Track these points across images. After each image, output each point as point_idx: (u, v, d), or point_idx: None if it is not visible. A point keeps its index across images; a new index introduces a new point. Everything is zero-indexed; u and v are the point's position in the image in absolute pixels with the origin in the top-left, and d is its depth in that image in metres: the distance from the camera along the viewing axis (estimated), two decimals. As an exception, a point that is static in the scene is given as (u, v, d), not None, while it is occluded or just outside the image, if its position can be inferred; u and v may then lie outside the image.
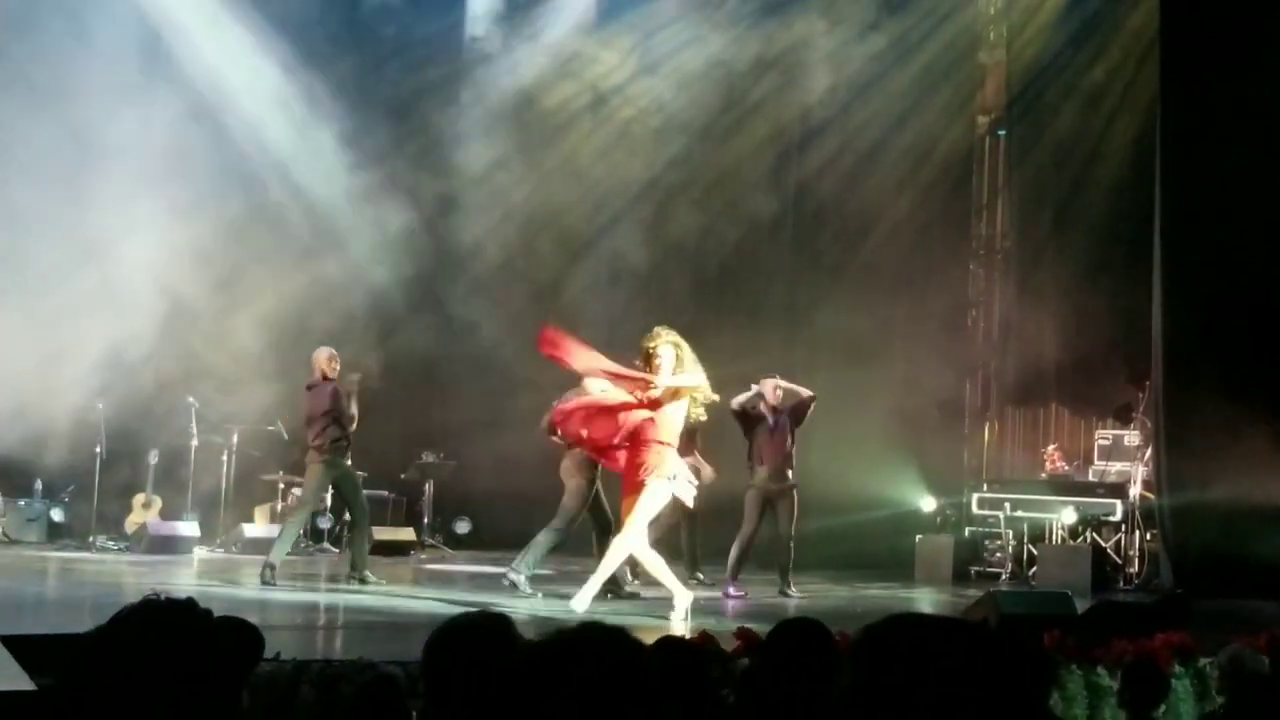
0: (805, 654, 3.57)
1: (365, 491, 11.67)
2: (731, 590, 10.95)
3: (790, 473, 11.38)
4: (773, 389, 11.43)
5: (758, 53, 15.12)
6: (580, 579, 9.26)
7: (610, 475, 10.06)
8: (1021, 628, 6.55)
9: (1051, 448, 14.77)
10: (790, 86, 15.30)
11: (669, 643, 4.37)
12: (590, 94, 15.71)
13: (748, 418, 11.35)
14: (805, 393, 11.59)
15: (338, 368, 10.99)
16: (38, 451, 13.17)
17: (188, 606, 2.54)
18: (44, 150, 12.70)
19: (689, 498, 9.26)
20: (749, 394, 11.31)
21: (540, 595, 9.90)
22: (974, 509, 14.19)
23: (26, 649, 5.13)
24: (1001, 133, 16.21)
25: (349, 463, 11.05)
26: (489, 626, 3.04)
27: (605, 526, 10.54)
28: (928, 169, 15.37)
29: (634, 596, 10.38)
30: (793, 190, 15.65)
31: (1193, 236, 12.12)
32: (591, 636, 2.24)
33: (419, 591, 10.82)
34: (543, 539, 10.28)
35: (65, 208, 12.86)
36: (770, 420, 11.34)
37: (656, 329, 9.33)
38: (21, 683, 4.53)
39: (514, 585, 10.00)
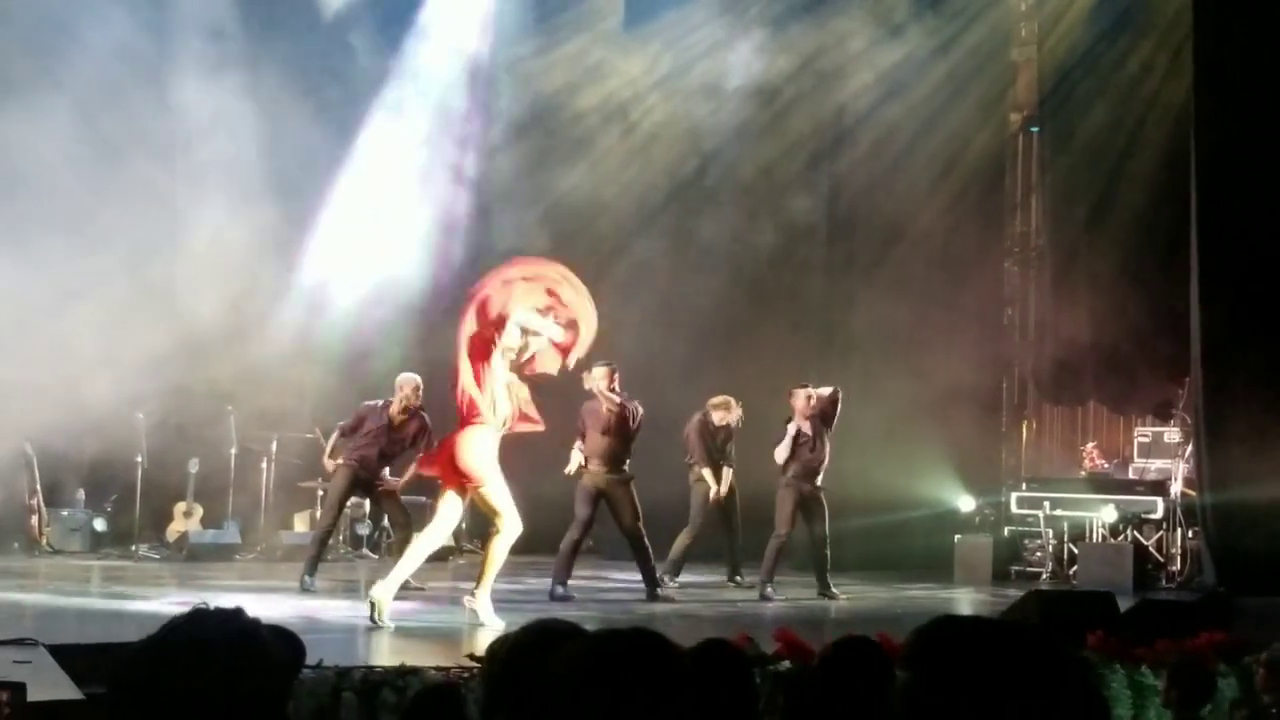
0: (862, 675, 3.55)
1: (404, 497, 11.75)
2: (769, 592, 10.96)
3: (821, 475, 11.38)
4: (805, 399, 11.43)
5: (790, 53, 15.09)
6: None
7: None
8: (1064, 628, 6.53)
9: (1090, 445, 14.69)
10: (822, 87, 15.26)
11: (711, 645, 4.37)
12: (621, 97, 15.72)
13: (796, 445, 11.35)
14: (827, 391, 11.57)
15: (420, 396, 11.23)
16: (80, 461, 13.29)
17: (236, 616, 2.56)
18: (85, 154, 12.81)
19: None
20: (787, 439, 11.31)
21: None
22: (1013, 508, 14.12)
23: (74, 658, 5.19)
24: (1034, 130, 16.14)
25: None
26: (558, 636, 3.03)
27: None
28: (961, 167, 15.32)
29: (668, 599, 10.43)
30: (826, 190, 15.61)
31: (1230, 230, 12.02)
32: (625, 643, 2.24)
33: (458, 597, 10.84)
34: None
35: (101, 213, 12.96)
36: (809, 430, 11.33)
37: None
38: (70, 692, 4.57)
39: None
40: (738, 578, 11.91)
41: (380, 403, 11.27)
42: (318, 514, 14.10)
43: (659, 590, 10.66)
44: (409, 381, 11.25)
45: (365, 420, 11.20)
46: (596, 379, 10.73)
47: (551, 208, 15.54)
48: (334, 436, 11.47)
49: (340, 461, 11.23)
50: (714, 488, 11.73)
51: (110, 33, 12.35)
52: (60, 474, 13.38)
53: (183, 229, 13.18)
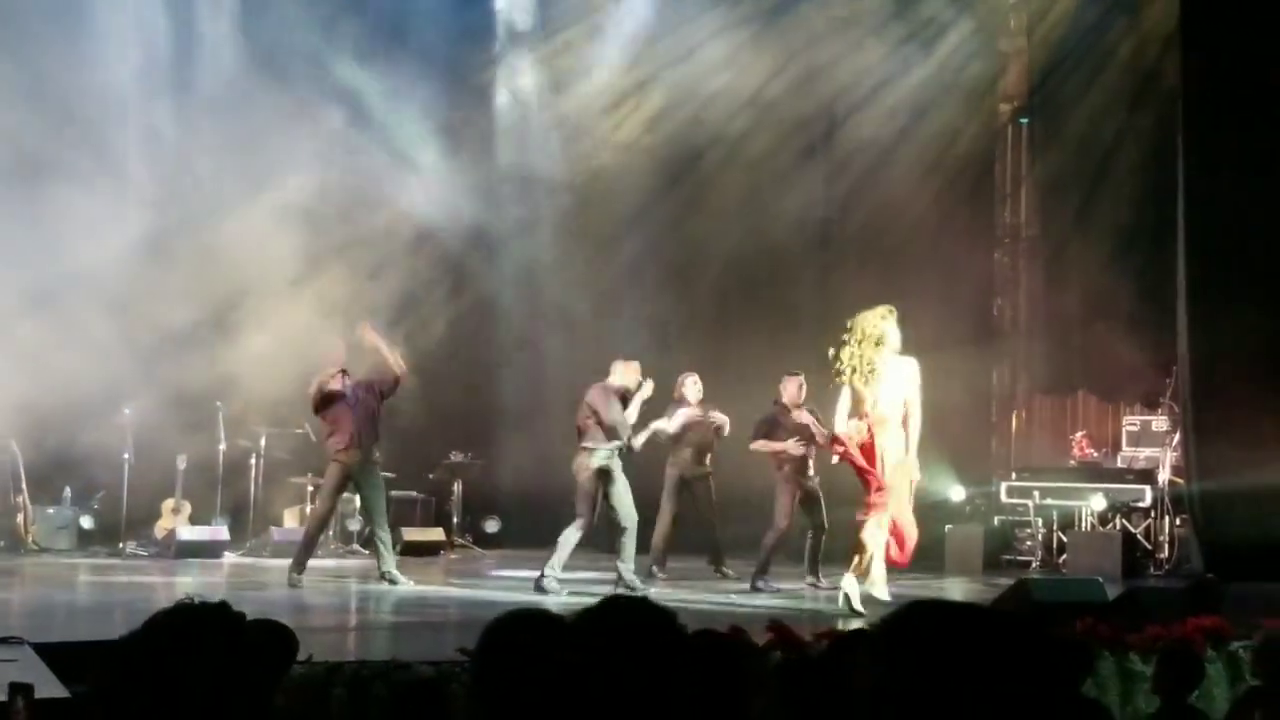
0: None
1: (395, 492, 11.75)
2: (763, 585, 10.94)
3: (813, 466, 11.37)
4: (798, 387, 11.39)
5: (780, 46, 15.09)
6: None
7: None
8: (1054, 615, 6.54)
9: (1079, 435, 14.70)
10: (813, 80, 15.26)
11: (701, 636, 4.36)
12: (613, 91, 15.71)
13: (775, 432, 11.33)
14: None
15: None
16: (66, 459, 13.24)
17: (221, 610, 2.55)
18: (79, 149, 12.80)
19: None
20: (763, 429, 11.35)
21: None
22: (1003, 498, 14.14)
23: (60, 656, 5.16)
24: (1024, 121, 16.13)
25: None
26: (545, 623, 3.02)
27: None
28: (951, 159, 15.32)
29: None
30: (819, 182, 15.62)
31: (1217, 220, 12.04)
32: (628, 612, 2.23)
33: (450, 591, 10.85)
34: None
35: (83, 208, 12.94)
36: (802, 420, 11.30)
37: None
38: (56, 690, 4.55)
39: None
40: (725, 569, 11.89)
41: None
42: (307, 509, 14.10)
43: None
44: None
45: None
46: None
47: (539, 206, 15.55)
48: None
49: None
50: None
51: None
52: (46, 471, 13.32)
53: (168, 222, 13.14)
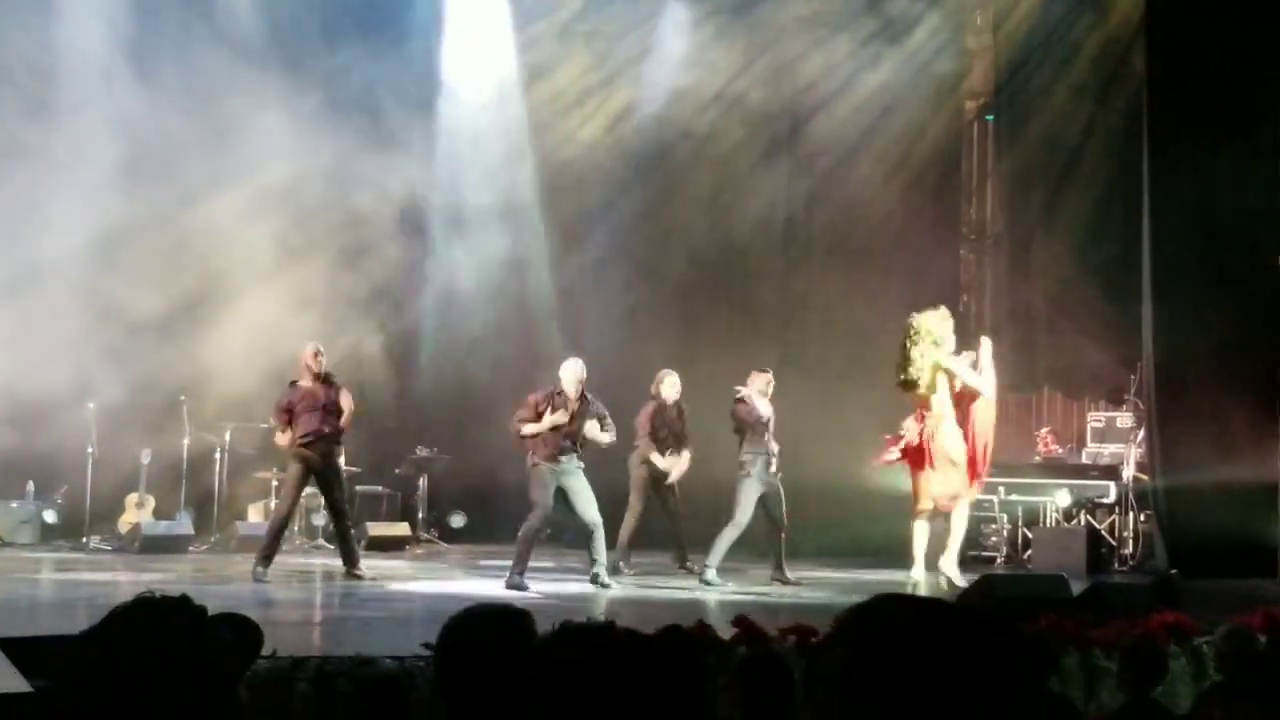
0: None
1: (361, 487, 11.70)
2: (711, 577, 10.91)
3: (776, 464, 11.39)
4: (766, 383, 11.39)
5: (747, 42, 15.10)
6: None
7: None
8: (1018, 611, 6.56)
9: (1044, 431, 14.77)
10: (780, 75, 15.28)
11: (666, 632, 4.36)
12: (581, 85, 15.69)
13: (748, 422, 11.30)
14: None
15: (324, 362, 11.09)
16: (30, 453, 13.12)
17: (182, 603, 2.53)
18: (42, 141, 12.69)
19: None
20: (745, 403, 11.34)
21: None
22: (969, 493, 14.19)
23: (22, 651, 5.11)
24: (990, 118, 16.19)
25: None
26: (506, 619, 3.02)
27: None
28: (917, 155, 15.35)
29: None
30: (784, 178, 15.64)
31: (1181, 217, 12.15)
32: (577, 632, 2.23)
33: (415, 586, 10.82)
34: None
35: (50, 202, 12.83)
36: (768, 414, 11.28)
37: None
38: (17, 684, 4.51)
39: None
40: (688, 564, 11.88)
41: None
42: (271, 504, 14.04)
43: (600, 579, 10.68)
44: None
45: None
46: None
47: (508, 196, 15.52)
48: None
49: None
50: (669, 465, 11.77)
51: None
52: (9, 465, 13.20)
53: (133, 217, 13.04)
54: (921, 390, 9.93)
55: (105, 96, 13.10)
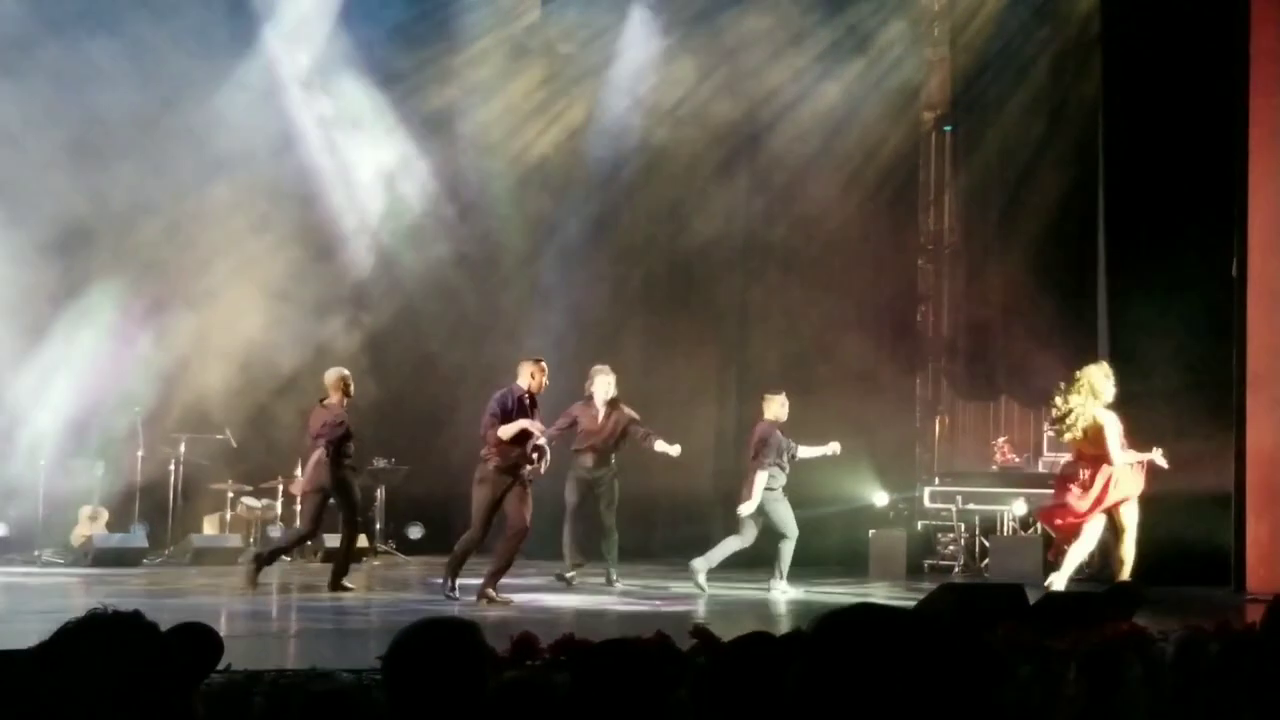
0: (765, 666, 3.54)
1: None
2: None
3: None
4: (781, 404, 11.59)
5: (706, 51, 15.12)
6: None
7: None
8: (976, 620, 6.57)
9: (1002, 440, 14.84)
10: (738, 85, 15.29)
11: (618, 644, 4.33)
12: (539, 96, 15.69)
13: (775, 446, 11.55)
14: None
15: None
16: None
17: (134, 618, 2.50)
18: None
19: None
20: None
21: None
22: (926, 503, 14.26)
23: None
24: (947, 129, 16.26)
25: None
26: (455, 632, 3.00)
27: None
28: (875, 166, 15.38)
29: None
30: (742, 189, 15.66)
31: (1136, 228, 12.25)
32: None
33: (372, 598, 10.76)
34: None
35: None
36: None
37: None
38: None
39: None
40: (569, 576, 11.92)
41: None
42: (227, 516, 13.94)
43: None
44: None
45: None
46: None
47: (466, 207, 15.48)
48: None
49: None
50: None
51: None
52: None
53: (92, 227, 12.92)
54: (1077, 436, 10.29)
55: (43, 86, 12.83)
